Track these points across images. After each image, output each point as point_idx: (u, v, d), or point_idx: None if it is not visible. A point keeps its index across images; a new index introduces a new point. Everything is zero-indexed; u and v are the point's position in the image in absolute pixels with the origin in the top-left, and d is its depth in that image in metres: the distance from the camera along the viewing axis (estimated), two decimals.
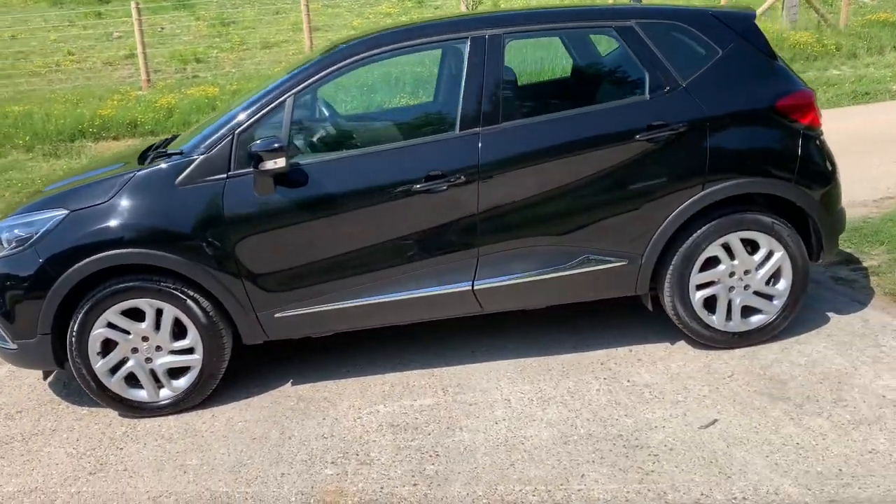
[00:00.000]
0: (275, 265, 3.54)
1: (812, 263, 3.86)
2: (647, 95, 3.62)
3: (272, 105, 3.53)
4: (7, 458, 3.41)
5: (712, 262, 3.72)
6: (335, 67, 3.61)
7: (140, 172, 3.58)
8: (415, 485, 2.97)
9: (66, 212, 3.51)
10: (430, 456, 3.15)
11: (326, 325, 3.69)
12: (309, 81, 3.58)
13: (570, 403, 3.45)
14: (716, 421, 3.22)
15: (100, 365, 3.58)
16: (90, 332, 3.52)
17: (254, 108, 3.55)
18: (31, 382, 4.03)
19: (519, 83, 3.99)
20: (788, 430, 3.11)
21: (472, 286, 3.63)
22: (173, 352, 3.61)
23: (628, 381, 3.61)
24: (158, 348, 3.60)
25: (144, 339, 3.57)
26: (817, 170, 3.75)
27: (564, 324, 4.18)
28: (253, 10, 14.59)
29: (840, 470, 2.85)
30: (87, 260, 3.43)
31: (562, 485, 2.89)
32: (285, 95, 3.54)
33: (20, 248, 3.50)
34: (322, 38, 13.17)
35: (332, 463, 3.17)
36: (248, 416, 3.61)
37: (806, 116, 3.68)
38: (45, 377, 3.76)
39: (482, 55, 3.58)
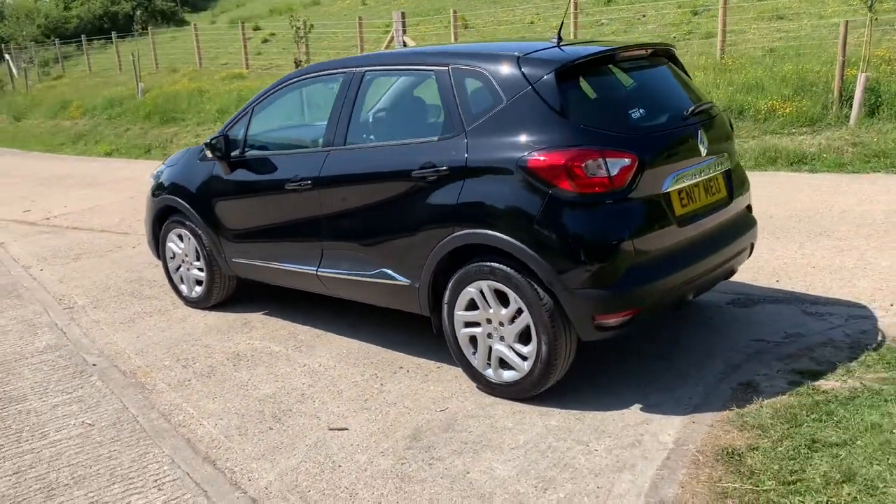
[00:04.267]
0: (229, 223, 5.07)
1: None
2: (437, 137, 3.87)
3: (245, 110, 4.98)
4: (124, 309, 5.85)
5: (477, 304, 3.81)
6: (278, 88, 4.84)
7: (193, 147, 5.48)
8: (171, 387, 4.29)
9: (164, 167, 5.67)
10: (207, 378, 4.36)
11: (256, 276, 5.06)
12: (265, 96, 4.90)
13: (317, 383, 4.18)
14: (345, 429, 3.63)
15: (170, 264, 5.70)
16: (165, 243, 5.65)
17: (240, 110, 5.05)
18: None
19: (366, 114, 4.45)
20: (361, 458, 3.38)
21: (317, 271, 4.53)
22: (196, 269, 5.49)
23: (381, 385, 4.08)
24: (190, 263, 5.52)
25: (186, 255, 5.54)
26: (562, 239, 3.42)
27: None
28: None
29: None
30: (157, 198, 5.54)
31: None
32: (251, 105, 4.95)
33: (153, 183, 5.79)
34: (780, 30, 12.42)
35: (177, 360, 4.66)
36: (212, 322, 5.28)
37: (556, 178, 3.39)
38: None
39: (346, 88, 4.35)
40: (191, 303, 5.62)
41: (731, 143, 4.16)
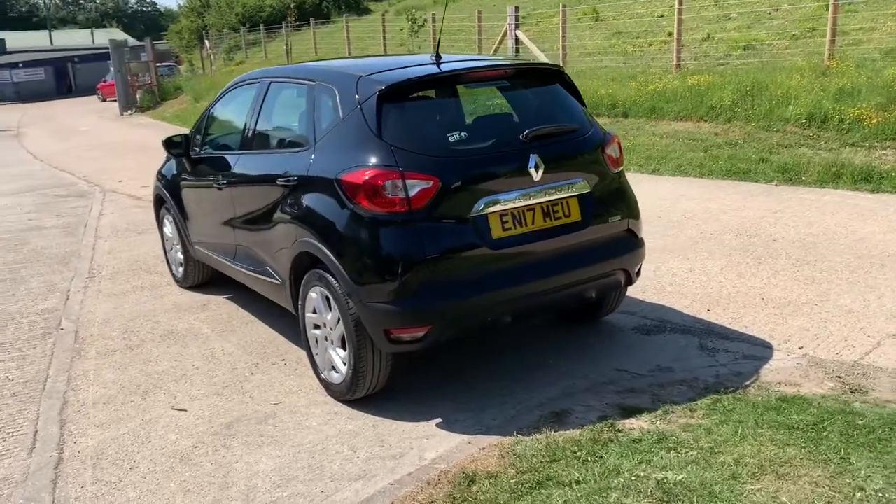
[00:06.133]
0: (188, 214, 5.64)
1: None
2: (299, 148, 4.13)
3: (205, 113, 5.50)
4: (125, 281, 6.65)
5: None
6: (223, 92, 5.30)
7: None
8: (98, 355, 4.91)
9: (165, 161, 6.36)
10: (129, 351, 4.94)
11: (208, 263, 5.59)
12: (217, 100, 5.38)
13: (205, 366, 4.61)
14: (185, 411, 4.03)
15: (165, 246, 6.40)
16: (162, 226, 6.35)
17: (203, 112, 5.58)
18: None
19: (265, 122, 4.68)
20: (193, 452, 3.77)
21: (233, 264, 4.96)
22: (179, 252, 6.13)
23: (250, 374, 4.44)
24: (175, 246, 6.17)
25: (174, 239, 6.19)
26: (360, 254, 3.58)
27: None
28: None
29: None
30: (155, 185, 6.23)
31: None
32: (209, 109, 5.45)
33: (160, 168, 6.49)
34: None
35: (123, 332, 5.29)
36: (181, 300, 5.90)
37: (359, 196, 3.54)
38: None
39: (256, 96, 4.71)
40: (177, 282, 6.29)
41: (598, 166, 4.03)
